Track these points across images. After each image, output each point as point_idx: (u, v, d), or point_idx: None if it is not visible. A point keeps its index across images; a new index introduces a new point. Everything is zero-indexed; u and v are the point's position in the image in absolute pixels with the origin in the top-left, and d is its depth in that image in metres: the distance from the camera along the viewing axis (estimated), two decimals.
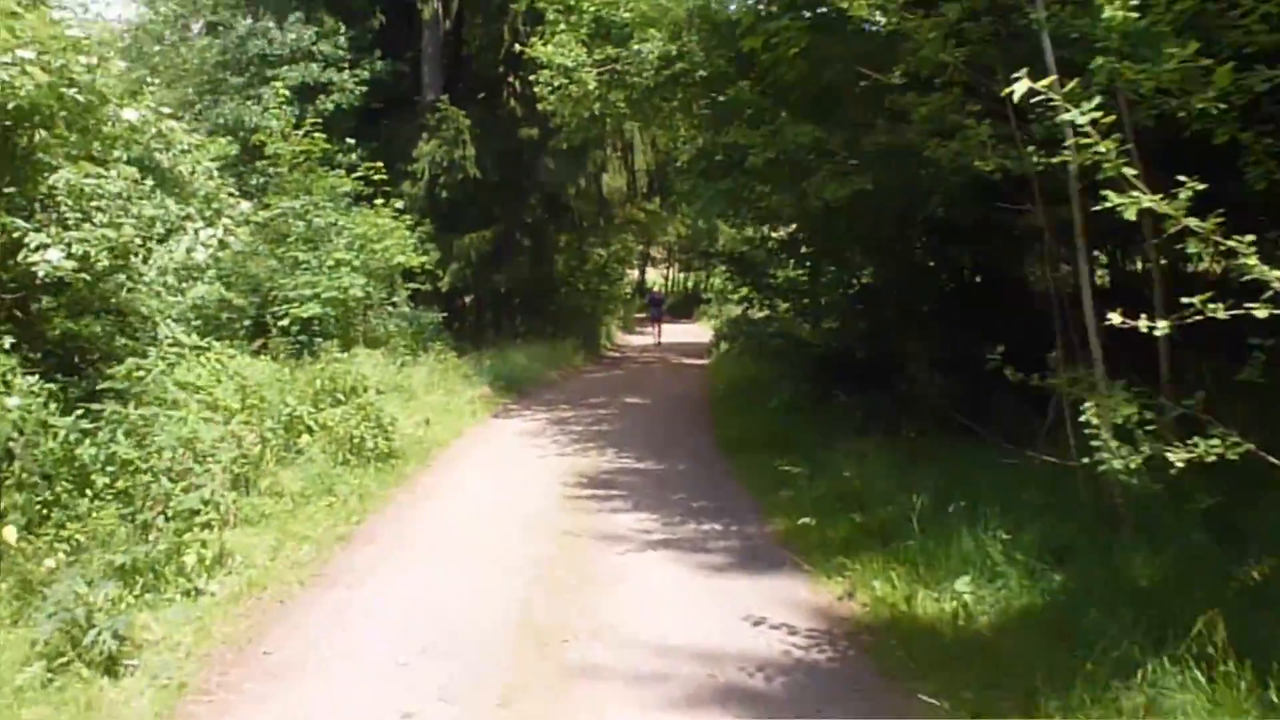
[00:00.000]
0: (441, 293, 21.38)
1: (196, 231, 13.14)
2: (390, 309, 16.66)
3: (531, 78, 13.44)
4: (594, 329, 27.58)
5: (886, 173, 7.32)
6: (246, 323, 13.90)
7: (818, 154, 7.65)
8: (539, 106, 17.13)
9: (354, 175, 14.86)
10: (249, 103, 19.17)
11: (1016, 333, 6.71)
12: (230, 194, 13.39)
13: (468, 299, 25.14)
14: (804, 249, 9.98)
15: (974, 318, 8.79)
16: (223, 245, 13.35)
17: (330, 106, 20.04)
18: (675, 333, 34.61)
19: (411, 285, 18.69)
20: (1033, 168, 5.49)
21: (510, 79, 23.91)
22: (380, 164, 15.28)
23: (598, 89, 12.06)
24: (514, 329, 23.25)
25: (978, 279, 10.13)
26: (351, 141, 19.47)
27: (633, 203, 27.28)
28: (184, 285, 12.80)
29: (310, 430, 9.42)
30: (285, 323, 13.50)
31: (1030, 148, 5.47)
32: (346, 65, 20.37)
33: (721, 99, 9.33)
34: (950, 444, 7.93)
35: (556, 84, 12.13)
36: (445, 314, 20.39)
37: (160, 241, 12.69)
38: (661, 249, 48.39)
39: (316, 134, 14.42)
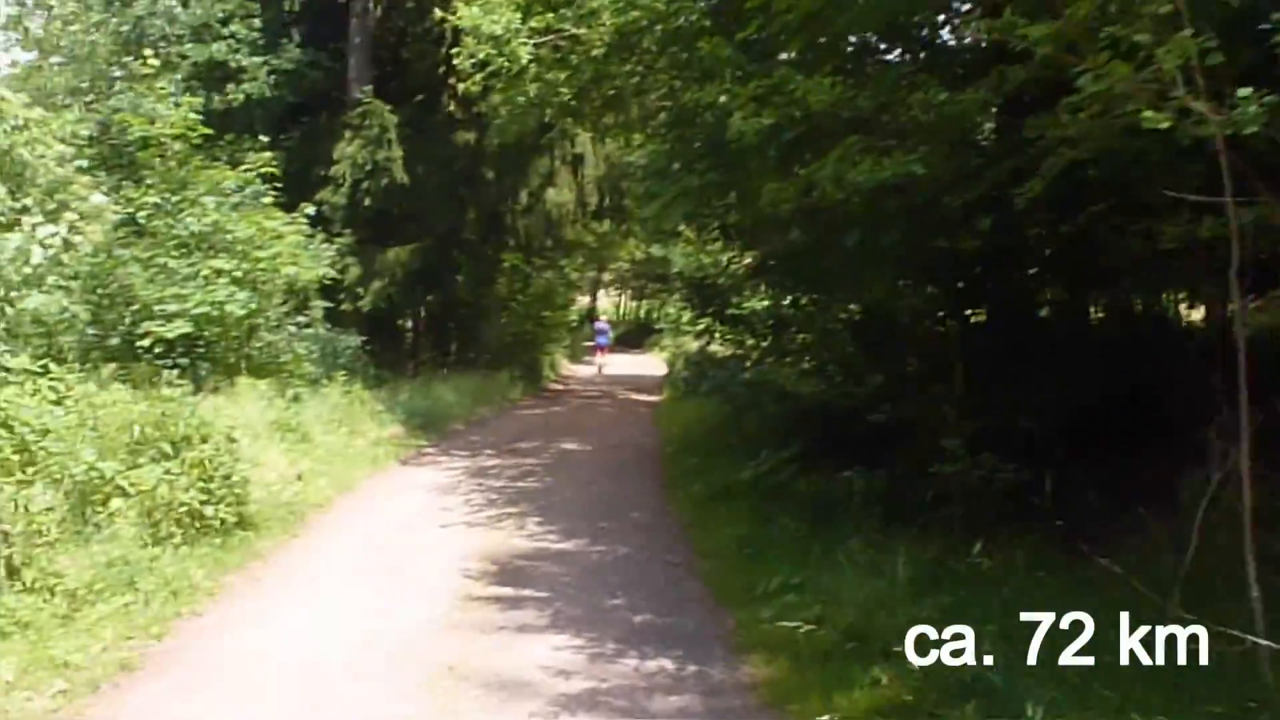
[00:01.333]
0: (363, 314, 18.86)
1: (34, 228, 10.60)
2: (293, 330, 14.11)
3: (453, 51, 11.03)
4: (536, 359, 25.07)
5: (939, 154, 5.00)
6: (115, 342, 11.33)
7: (841, 122, 5.33)
8: (472, 102, 14.89)
9: (243, 169, 12.27)
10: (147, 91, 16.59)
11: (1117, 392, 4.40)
12: (79, 185, 10.85)
13: (405, 323, 22.60)
14: (797, 267, 7.63)
15: (1038, 370, 6.47)
16: (67, 246, 10.82)
17: (240, 97, 17.56)
18: (625, 364, 32.26)
19: (324, 305, 16.24)
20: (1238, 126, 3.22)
21: (450, 80, 21.50)
22: (269, 155, 12.67)
23: (534, 66, 9.69)
24: (445, 358, 20.67)
25: (1050, 312, 7.71)
26: (264, 139, 17.02)
27: (582, 222, 24.87)
28: (12, 295, 10.22)
29: (124, 493, 6.88)
30: (147, 343, 10.93)
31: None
32: (260, 50, 17.87)
33: (692, 56, 6.96)
34: (1006, 552, 5.61)
35: (482, 57, 9.72)
36: (365, 339, 17.93)
37: None
38: (612, 275, 46.08)
39: (191, 114, 11.82)
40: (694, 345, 27.65)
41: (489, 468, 11.74)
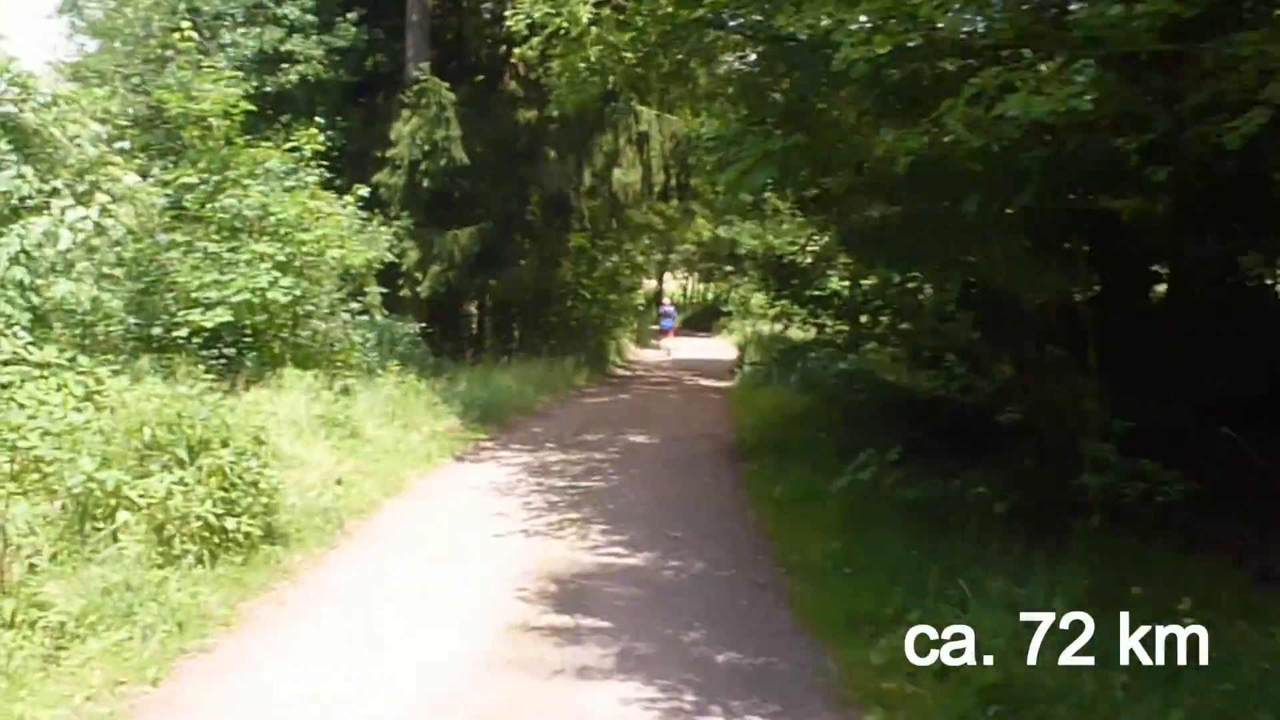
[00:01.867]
0: (423, 300, 18.06)
1: (63, 211, 9.85)
2: (347, 317, 13.31)
3: (507, 14, 10.03)
4: (602, 344, 24.11)
5: (1109, 85, 3.81)
6: (156, 331, 10.61)
7: (976, 51, 4.20)
8: (533, 81, 13.96)
9: (286, 147, 11.41)
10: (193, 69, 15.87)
11: None
12: (114, 166, 10.10)
13: (469, 308, 21.77)
14: (896, 240, 6.50)
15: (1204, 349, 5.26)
16: (99, 230, 10.06)
17: (293, 78, 16.81)
18: (693, 348, 31.17)
19: (379, 290, 15.47)
20: None
21: (511, 59, 20.56)
22: (314, 131, 11.79)
23: (595, 28, 8.65)
24: (508, 344, 19.78)
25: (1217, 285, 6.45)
26: (319, 121, 16.25)
27: (649, 203, 23.81)
28: (40, 281, 9.48)
29: (133, 506, 6.02)
30: (184, 334, 10.17)
31: None
32: (315, 31, 17.09)
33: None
34: (1178, 571, 4.45)
35: (539, 17, 8.71)
36: (425, 325, 17.13)
37: (8, 221, 9.46)
38: (679, 257, 44.92)
39: (232, 89, 10.97)
40: (765, 329, 26.58)
41: (550, 464, 10.78)
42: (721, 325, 38.45)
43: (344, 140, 17.70)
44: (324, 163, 12.32)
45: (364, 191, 13.76)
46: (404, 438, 11.02)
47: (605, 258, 24.11)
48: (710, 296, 44.99)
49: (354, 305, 13.61)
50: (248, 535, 6.47)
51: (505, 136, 18.10)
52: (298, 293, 10.52)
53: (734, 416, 14.74)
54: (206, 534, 6.22)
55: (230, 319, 10.16)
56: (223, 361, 10.56)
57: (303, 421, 9.95)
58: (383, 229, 16.18)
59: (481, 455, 11.38)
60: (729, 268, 42.06)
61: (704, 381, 21.61)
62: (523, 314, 21.92)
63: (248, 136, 11.47)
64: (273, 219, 10.75)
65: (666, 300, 36.55)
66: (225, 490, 6.40)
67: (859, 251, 8.23)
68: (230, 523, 6.36)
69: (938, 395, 5.71)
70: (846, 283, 11.52)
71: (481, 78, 20.08)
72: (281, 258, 10.53)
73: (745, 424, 13.34)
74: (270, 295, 10.25)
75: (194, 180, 10.50)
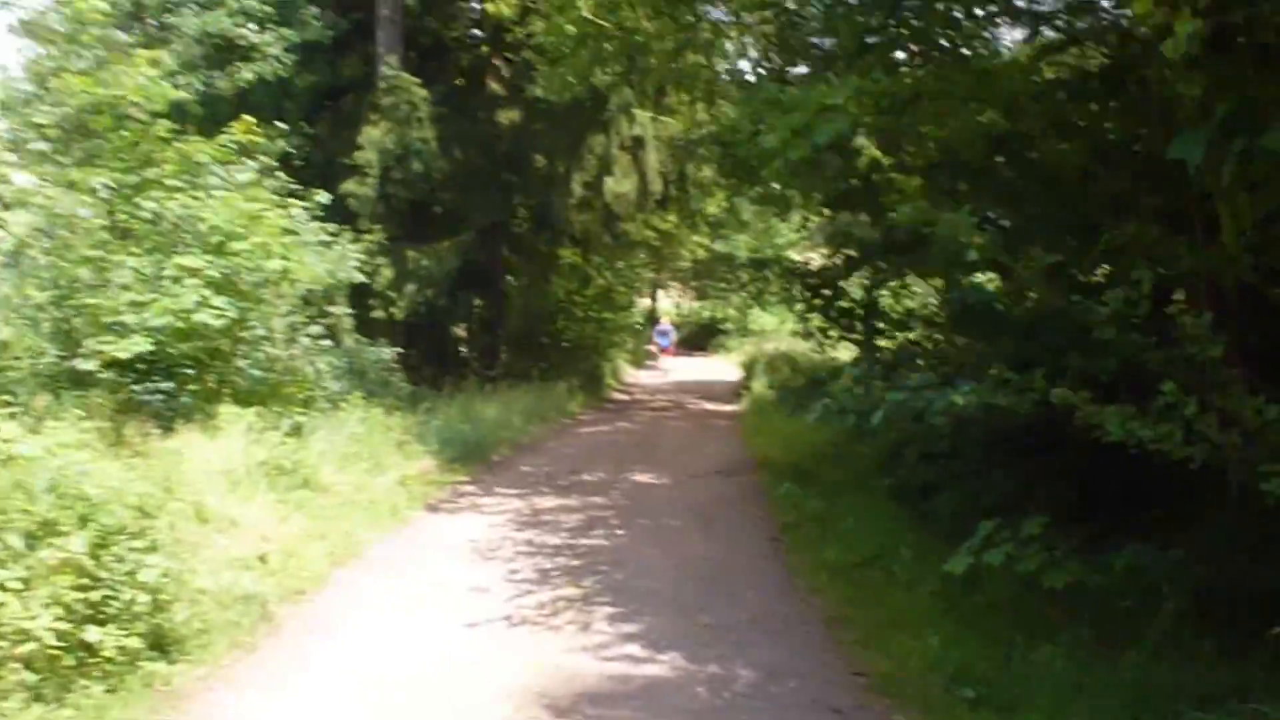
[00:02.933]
0: (402, 322, 16.20)
1: None
2: (307, 343, 11.47)
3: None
4: (597, 366, 22.21)
5: None
6: (86, 364, 8.72)
7: None
8: (517, 84, 12.24)
9: (221, 141, 9.51)
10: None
11: None
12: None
13: (459, 330, 19.83)
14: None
15: None
16: None
17: (249, 76, 14.97)
18: (691, 368, 29.32)
19: (345, 311, 13.70)
20: None
21: (494, 60, 18.81)
22: (250, 121, 9.90)
23: None
24: (494, 369, 17.87)
25: None
26: (281, 125, 14.44)
27: (644, 216, 22.02)
28: None
29: None
30: (91, 366, 8.28)
31: None
32: (274, 24, 15.28)
33: None
34: None
35: None
36: (403, 350, 15.30)
37: None
38: (674, 274, 43.08)
39: (148, 67, 9.09)
40: (772, 347, 24.71)
41: (542, 513, 8.89)
42: (719, 344, 36.61)
43: (312, 149, 15.93)
44: (299, 177, 10.49)
45: (323, 198, 11.90)
46: (368, 485, 9.13)
47: (599, 274, 22.25)
48: (706, 315, 43.10)
49: (313, 329, 11.73)
50: (123, 649, 4.59)
51: (487, 140, 16.29)
52: (232, 315, 8.62)
53: (751, 448, 12.87)
54: (55, 654, 4.33)
55: (149, 347, 8.26)
56: (160, 399, 8.73)
57: (241, 471, 8.09)
58: (352, 245, 14.42)
59: (460, 503, 9.48)
60: (724, 284, 40.39)
61: (709, 405, 19.75)
62: (511, 336, 20.04)
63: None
64: (205, 226, 8.88)
65: (665, 318, 34.78)
66: (84, 589, 4.52)
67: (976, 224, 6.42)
68: (94, 634, 4.49)
69: (1142, 446, 3.75)
70: (886, 293, 9.77)
71: (461, 81, 18.32)
72: (213, 273, 8.65)
73: (767, 458, 11.45)
74: (197, 319, 8.35)
75: (105, 180, 8.59)
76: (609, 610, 5.91)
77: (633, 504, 9.31)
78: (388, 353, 14.11)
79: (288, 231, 9.11)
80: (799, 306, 10.26)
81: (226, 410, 8.80)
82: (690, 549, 7.43)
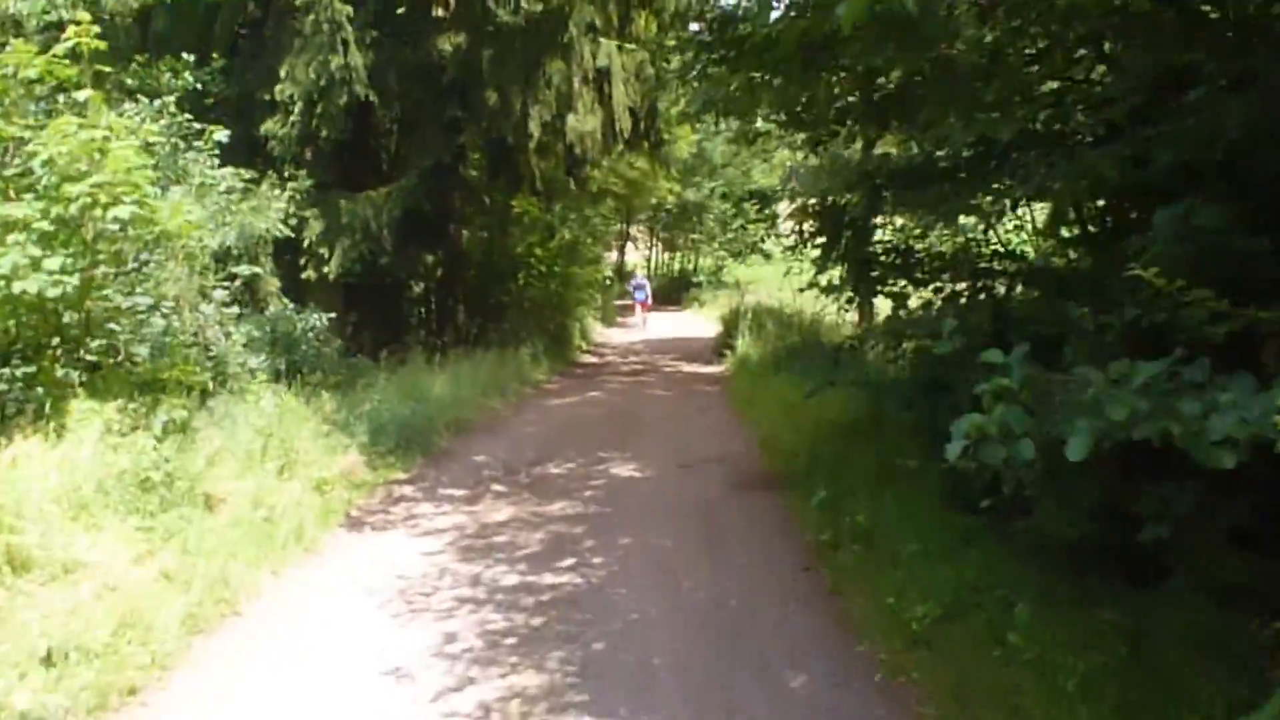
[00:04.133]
0: (334, 282, 13.95)
1: None
2: (209, 311, 9.33)
3: None
4: (564, 326, 19.98)
5: None
6: None
7: None
8: None
9: (57, 50, 7.14)
10: None
11: None
12: None
13: (417, 289, 17.48)
14: None
15: None
16: None
17: None
18: (666, 324, 27.21)
19: (252, 271, 11.52)
20: None
21: None
22: (85, 17, 7.54)
23: None
24: (446, 334, 15.62)
25: None
26: (188, 57, 12.28)
27: (611, 158, 19.74)
28: None
29: None
30: None
31: None
32: None
33: None
34: None
35: None
36: (343, 316, 13.19)
37: None
38: (642, 225, 40.75)
39: None
40: (753, 300, 22.47)
41: (494, 531, 6.78)
42: (692, 298, 34.48)
43: (225, 83, 13.55)
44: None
45: (221, 136, 9.67)
46: (272, 494, 6.98)
47: (563, 224, 19.95)
48: (677, 267, 40.89)
49: (218, 295, 9.56)
50: None
51: (429, 69, 13.89)
52: (73, 281, 6.37)
53: (746, 422, 10.80)
54: None
55: None
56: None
57: (91, 489, 5.95)
58: (275, 193, 12.20)
59: (391, 515, 7.34)
60: (696, 235, 38.14)
61: (687, 368, 17.66)
62: (467, 296, 17.76)
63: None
64: (37, 163, 6.59)
65: (639, 272, 32.77)
66: None
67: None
68: None
69: None
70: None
71: (402, 9, 15.85)
72: (46, 225, 6.38)
73: (770, 437, 9.37)
74: (22, 286, 6.11)
75: None
76: (592, 695, 3.84)
77: (611, 511, 7.20)
78: (321, 319, 11.88)
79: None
80: (811, 253, 8.16)
81: (79, 406, 6.64)
82: (694, 590, 5.34)
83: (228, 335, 9.84)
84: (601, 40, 16.27)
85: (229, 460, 7.32)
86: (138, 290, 7.96)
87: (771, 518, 6.83)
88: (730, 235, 34.06)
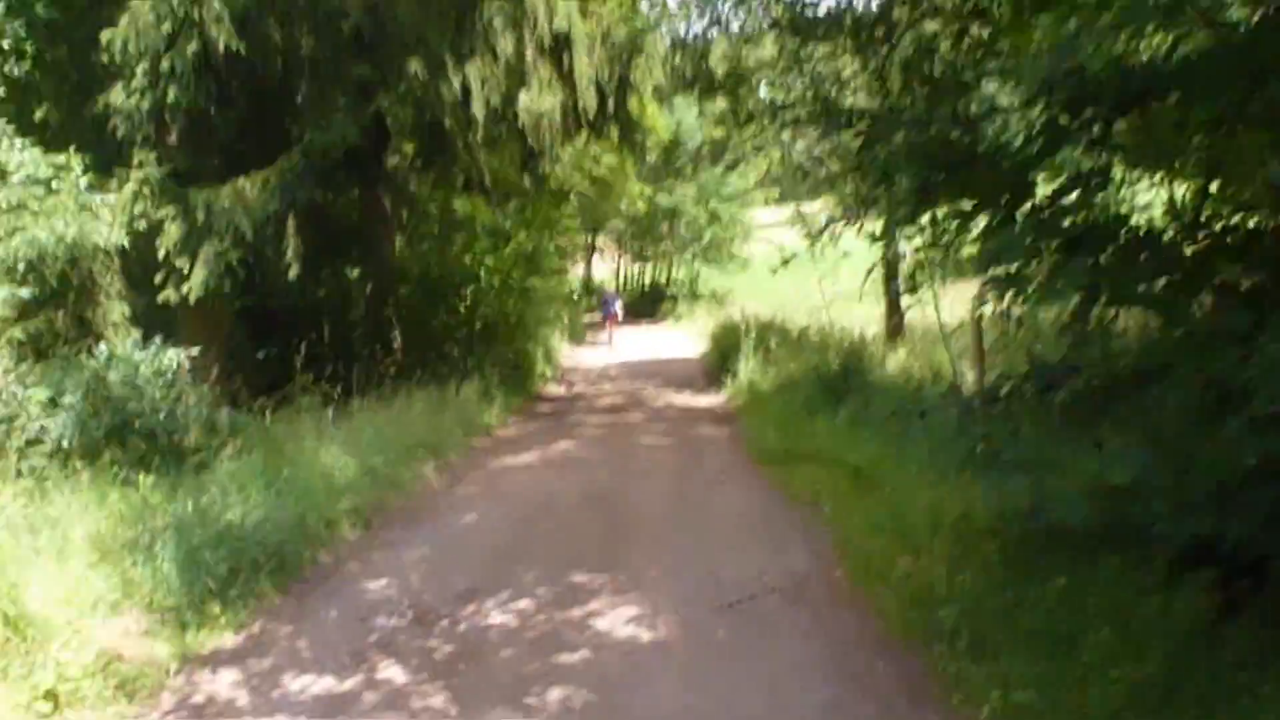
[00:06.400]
0: (197, 305, 10.10)
1: None
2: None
3: None
4: (524, 351, 16.11)
5: None
6: None
7: None
8: None
9: None
10: None
11: None
12: None
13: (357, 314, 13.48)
14: None
15: None
16: None
17: None
18: (641, 342, 23.42)
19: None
20: None
21: None
22: None
23: None
24: (363, 372, 11.64)
25: None
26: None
27: (573, 143, 15.89)
28: None
29: None
30: None
31: None
32: None
33: None
34: None
35: None
36: (209, 351, 9.49)
37: None
38: (609, 239, 36.90)
39: None
40: (751, 313, 18.68)
41: None
42: (667, 311, 30.82)
43: (46, 44, 9.87)
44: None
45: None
46: None
47: (521, 228, 16.10)
48: (650, 280, 37.10)
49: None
50: None
51: (324, 14, 10.09)
52: None
53: (795, 499, 7.03)
54: None
55: None
56: None
57: None
58: (105, 189, 8.61)
59: None
60: (667, 244, 34.38)
61: (679, 398, 13.92)
62: (403, 319, 13.85)
63: None
64: None
65: (610, 285, 29.35)
66: None
67: None
68: None
69: None
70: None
71: None
72: None
73: (855, 542, 5.63)
74: None
75: None
76: None
77: None
78: (175, 359, 8.03)
79: None
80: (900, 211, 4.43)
81: None
82: None
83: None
84: (559, 2, 12.60)
85: None
86: None
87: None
88: (705, 242, 30.57)
